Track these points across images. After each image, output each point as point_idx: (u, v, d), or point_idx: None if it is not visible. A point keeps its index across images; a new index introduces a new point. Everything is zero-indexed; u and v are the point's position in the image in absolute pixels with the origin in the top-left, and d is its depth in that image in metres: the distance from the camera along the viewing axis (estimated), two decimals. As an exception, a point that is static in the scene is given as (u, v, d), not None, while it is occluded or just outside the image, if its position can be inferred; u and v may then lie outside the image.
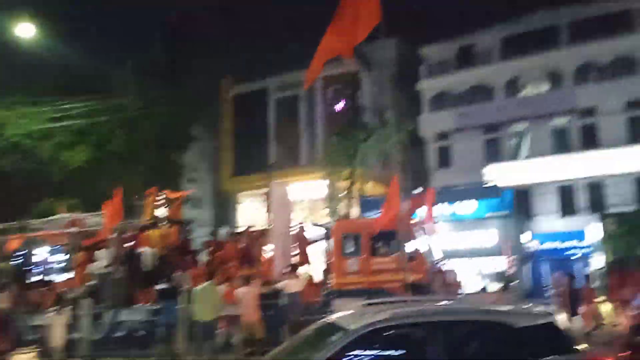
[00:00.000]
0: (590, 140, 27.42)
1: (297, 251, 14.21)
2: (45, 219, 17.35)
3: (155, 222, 15.54)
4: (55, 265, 17.49)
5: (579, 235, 25.67)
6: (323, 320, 5.37)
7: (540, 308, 5.34)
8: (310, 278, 12.90)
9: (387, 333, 4.43)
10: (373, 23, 6.40)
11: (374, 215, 18.09)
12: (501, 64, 29.93)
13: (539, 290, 22.96)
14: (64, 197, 23.37)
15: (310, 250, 14.44)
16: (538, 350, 4.34)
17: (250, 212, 29.59)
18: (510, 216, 25.18)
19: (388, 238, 11.98)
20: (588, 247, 25.86)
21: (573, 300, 13.21)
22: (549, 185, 26.90)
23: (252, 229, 15.75)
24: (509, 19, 30.09)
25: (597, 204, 26.30)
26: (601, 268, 19.11)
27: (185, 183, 26.12)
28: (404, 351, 4.48)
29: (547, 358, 4.31)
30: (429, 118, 30.87)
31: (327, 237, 14.17)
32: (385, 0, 6.67)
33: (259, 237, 15.35)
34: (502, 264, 22.70)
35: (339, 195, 27.05)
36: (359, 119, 28.02)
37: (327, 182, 28.12)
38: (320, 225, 20.94)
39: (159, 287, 12.11)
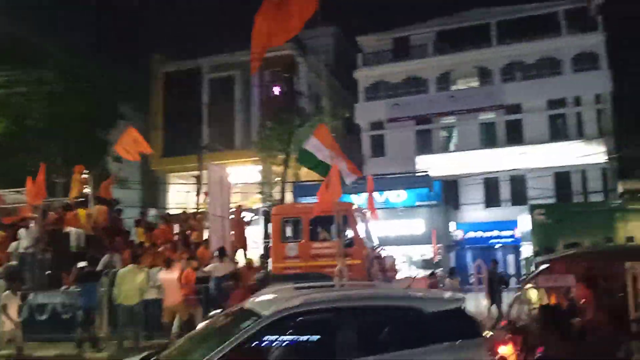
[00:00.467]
0: (515, 135, 28.78)
1: (234, 234, 14.01)
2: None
3: (82, 201, 14.81)
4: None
5: (510, 225, 26.92)
6: (239, 305, 5.35)
7: (449, 294, 5.55)
8: (250, 262, 12.73)
9: (300, 319, 4.45)
10: (310, 10, 6.23)
11: (308, 200, 18.15)
12: (434, 58, 30.76)
13: (462, 278, 23.91)
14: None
15: (247, 234, 14.25)
16: (446, 335, 4.50)
17: (180, 194, 28.86)
18: (438, 206, 26.09)
19: (327, 223, 12.01)
20: (511, 237, 27.24)
21: (493, 286, 13.86)
22: (475, 177, 27.98)
23: (187, 211, 15.34)
24: (443, 14, 30.96)
25: (519, 197, 27.70)
26: (529, 257, 20.19)
27: (112, 162, 24.96)
28: (317, 337, 4.53)
29: (454, 342, 4.49)
30: (364, 107, 31.29)
31: (265, 221, 14.04)
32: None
33: (194, 219, 14.99)
34: (429, 251, 23.57)
35: (273, 180, 26.89)
36: (295, 105, 27.86)
37: (260, 166, 27.87)
38: (253, 210, 20.88)
39: (79, 266, 11.49)
